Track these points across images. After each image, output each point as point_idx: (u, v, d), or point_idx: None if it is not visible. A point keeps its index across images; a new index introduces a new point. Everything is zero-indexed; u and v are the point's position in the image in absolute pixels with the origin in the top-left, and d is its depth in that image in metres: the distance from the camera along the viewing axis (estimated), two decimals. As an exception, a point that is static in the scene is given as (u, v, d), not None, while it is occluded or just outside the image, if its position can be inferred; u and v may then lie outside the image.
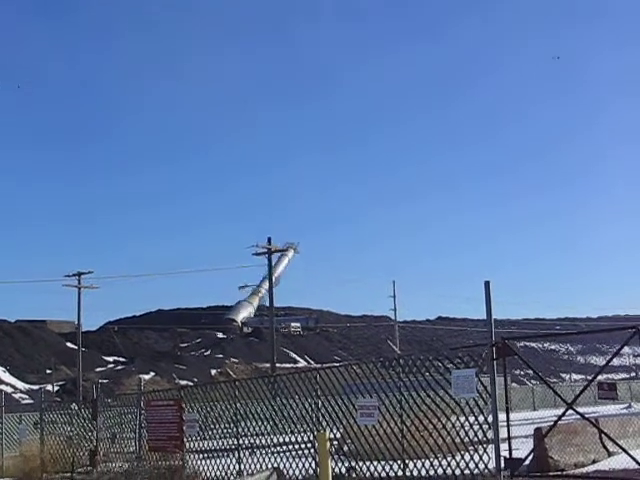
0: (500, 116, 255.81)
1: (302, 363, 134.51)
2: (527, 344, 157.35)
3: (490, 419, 15.04)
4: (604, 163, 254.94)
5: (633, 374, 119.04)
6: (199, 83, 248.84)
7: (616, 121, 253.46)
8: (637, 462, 13.61)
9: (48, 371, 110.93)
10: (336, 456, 17.85)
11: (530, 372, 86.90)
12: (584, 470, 16.68)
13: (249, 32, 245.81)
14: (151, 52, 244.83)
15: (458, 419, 15.97)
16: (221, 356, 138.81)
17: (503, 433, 14.92)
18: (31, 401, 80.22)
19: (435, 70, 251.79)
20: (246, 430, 20.82)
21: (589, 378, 27.51)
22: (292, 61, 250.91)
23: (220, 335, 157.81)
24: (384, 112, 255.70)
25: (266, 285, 65.23)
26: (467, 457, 15.44)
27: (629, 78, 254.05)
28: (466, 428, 15.69)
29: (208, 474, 20.76)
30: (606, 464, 17.05)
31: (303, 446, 19.40)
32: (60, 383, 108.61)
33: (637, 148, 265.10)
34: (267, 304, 65.11)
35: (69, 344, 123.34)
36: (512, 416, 15.52)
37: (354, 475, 17.33)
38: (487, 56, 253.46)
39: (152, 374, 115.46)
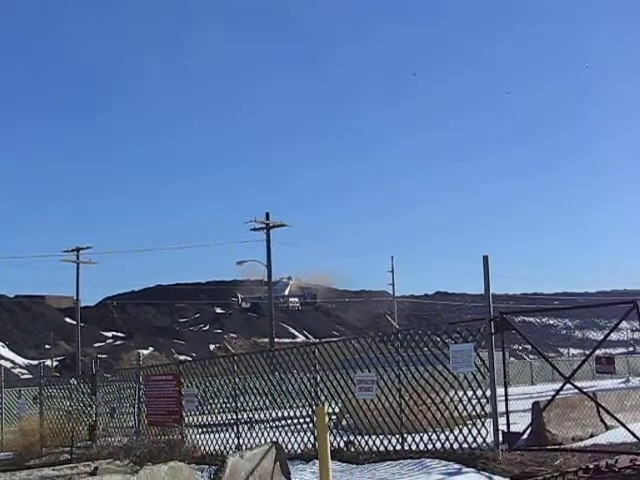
0: (497, 92, 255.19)
1: (301, 338, 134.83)
2: (525, 319, 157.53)
3: (488, 393, 15.08)
4: (604, 139, 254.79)
5: (631, 349, 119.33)
6: (200, 61, 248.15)
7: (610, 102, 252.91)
8: (635, 435, 13.67)
9: (47, 346, 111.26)
10: (335, 430, 17.90)
11: (528, 347, 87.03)
12: (582, 444, 16.73)
13: (245, 13, 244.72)
14: (152, 29, 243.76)
15: (456, 393, 16.01)
16: (220, 331, 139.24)
17: (501, 407, 14.97)
18: (30, 376, 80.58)
19: (431, 46, 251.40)
20: (245, 405, 20.87)
21: (587, 353, 27.55)
22: (290, 41, 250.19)
23: (219, 310, 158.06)
24: (378, 87, 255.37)
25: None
26: (465, 431, 15.49)
27: (628, 55, 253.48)
28: (464, 402, 15.73)
29: (207, 448, 20.82)
30: (604, 438, 17.10)
31: (302, 420, 19.44)
32: (59, 358, 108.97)
33: (636, 125, 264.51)
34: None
35: (68, 319, 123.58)
36: (510, 390, 15.58)
37: (353, 449, 17.38)
38: (485, 31, 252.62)
39: (151, 349, 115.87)
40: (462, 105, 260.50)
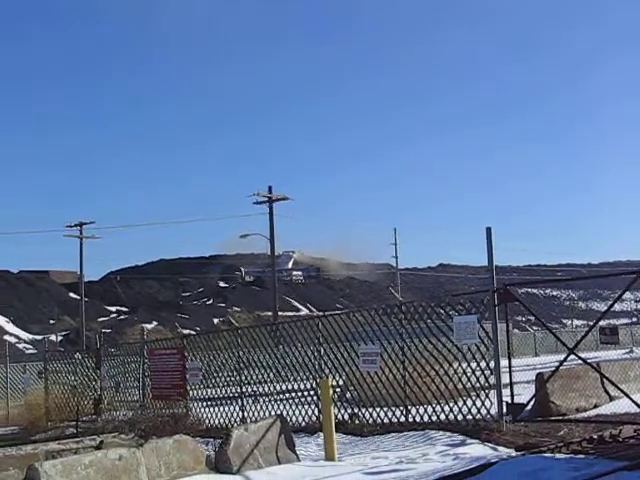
0: (501, 60, 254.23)
1: (304, 311, 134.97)
2: (529, 290, 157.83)
3: (492, 365, 15.10)
4: (606, 109, 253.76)
5: (635, 319, 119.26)
6: (203, 30, 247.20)
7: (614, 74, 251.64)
8: (638, 406, 13.67)
9: (51, 321, 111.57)
10: (339, 403, 17.92)
11: (532, 318, 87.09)
12: (586, 414, 16.75)
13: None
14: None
15: (460, 365, 16.03)
16: (223, 305, 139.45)
17: (505, 379, 15.00)
18: (35, 351, 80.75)
19: (434, 10, 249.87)
20: (249, 378, 20.91)
21: (591, 324, 27.53)
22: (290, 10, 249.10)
23: (222, 284, 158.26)
24: (379, 57, 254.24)
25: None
26: (469, 403, 15.52)
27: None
28: (468, 374, 15.75)
29: (212, 422, 20.89)
30: (608, 408, 17.12)
31: (306, 393, 19.50)
32: (63, 333, 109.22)
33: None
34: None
35: (72, 294, 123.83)
36: (514, 362, 15.58)
37: (357, 421, 17.43)
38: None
39: (155, 323, 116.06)
40: (462, 75, 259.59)
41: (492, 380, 15.13)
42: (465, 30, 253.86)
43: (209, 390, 22.28)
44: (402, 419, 16.67)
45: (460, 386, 16.05)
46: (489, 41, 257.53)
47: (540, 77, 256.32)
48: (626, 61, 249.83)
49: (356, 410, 17.81)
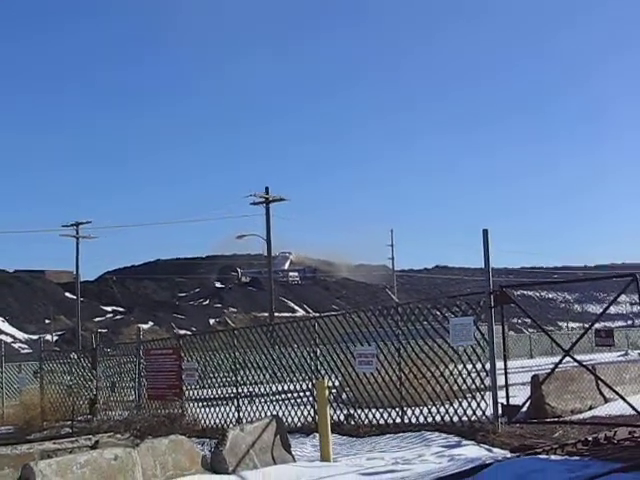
0: (496, 62, 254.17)
1: (300, 312, 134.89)
2: (524, 292, 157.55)
3: (488, 366, 15.13)
4: (607, 112, 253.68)
5: (630, 322, 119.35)
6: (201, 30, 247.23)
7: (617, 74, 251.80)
8: (633, 408, 13.71)
9: (47, 321, 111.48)
10: (335, 404, 17.95)
11: (527, 320, 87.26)
12: (581, 416, 16.79)
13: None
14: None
15: (456, 367, 16.04)
16: (219, 305, 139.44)
17: (500, 380, 15.02)
18: (30, 351, 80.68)
19: (428, 12, 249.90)
20: (245, 379, 20.92)
21: (586, 326, 27.59)
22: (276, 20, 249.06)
23: (218, 285, 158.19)
24: (375, 56, 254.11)
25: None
26: (465, 404, 15.55)
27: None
28: (464, 376, 15.78)
29: (207, 422, 20.89)
30: (602, 410, 17.15)
31: (302, 394, 19.50)
32: (59, 333, 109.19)
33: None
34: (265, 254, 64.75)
35: (68, 294, 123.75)
36: (509, 364, 15.60)
37: (352, 422, 17.44)
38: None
39: (151, 324, 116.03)
40: (460, 76, 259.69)
41: (488, 382, 15.17)
42: (464, 29, 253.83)
43: (205, 390, 22.28)
44: (398, 420, 16.69)
45: (456, 388, 16.09)
46: (488, 43, 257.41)
47: (544, 77, 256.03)
48: (629, 61, 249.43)
49: (352, 411, 17.83)
